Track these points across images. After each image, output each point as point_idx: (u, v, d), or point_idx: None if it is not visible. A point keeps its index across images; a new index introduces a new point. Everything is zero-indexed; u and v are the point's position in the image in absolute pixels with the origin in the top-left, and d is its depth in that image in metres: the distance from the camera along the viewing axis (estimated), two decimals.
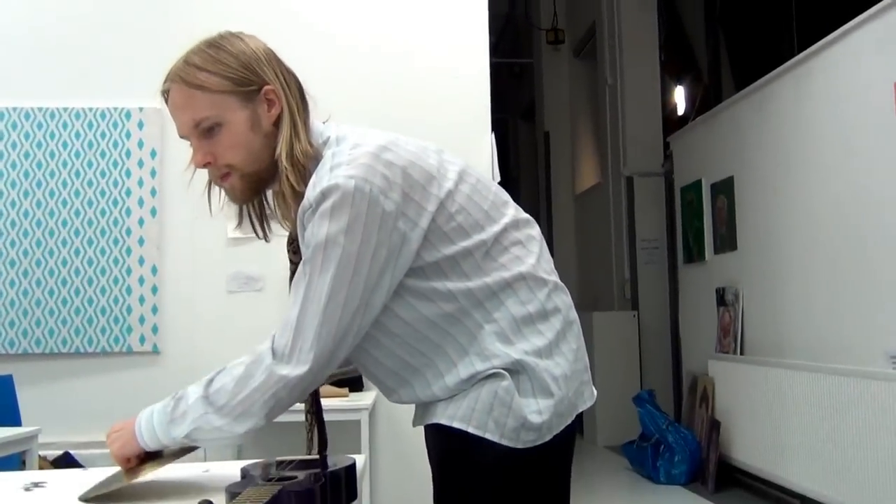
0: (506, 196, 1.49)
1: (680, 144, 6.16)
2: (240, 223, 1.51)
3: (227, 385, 1.31)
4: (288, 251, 1.49)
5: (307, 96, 1.47)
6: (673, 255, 6.52)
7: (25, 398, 3.40)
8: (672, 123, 6.97)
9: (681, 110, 7.32)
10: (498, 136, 4.08)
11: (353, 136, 1.38)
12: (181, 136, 1.42)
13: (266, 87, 1.40)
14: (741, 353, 5.03)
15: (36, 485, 1.54)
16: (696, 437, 5.24)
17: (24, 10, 4.03)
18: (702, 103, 6.61)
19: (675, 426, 5.30)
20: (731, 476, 4.98)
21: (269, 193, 1.47)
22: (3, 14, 4.02)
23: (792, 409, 4.26)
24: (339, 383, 3.54)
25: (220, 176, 1.42)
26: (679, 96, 7.40)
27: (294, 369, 1.28)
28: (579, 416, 1.44)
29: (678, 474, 5.12)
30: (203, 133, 1.39)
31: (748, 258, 5.00)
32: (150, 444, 1.37)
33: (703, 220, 5.58)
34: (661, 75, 7.02)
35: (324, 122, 1.47)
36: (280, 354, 1.29)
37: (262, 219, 1.51)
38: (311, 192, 1.31)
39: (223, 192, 1.47)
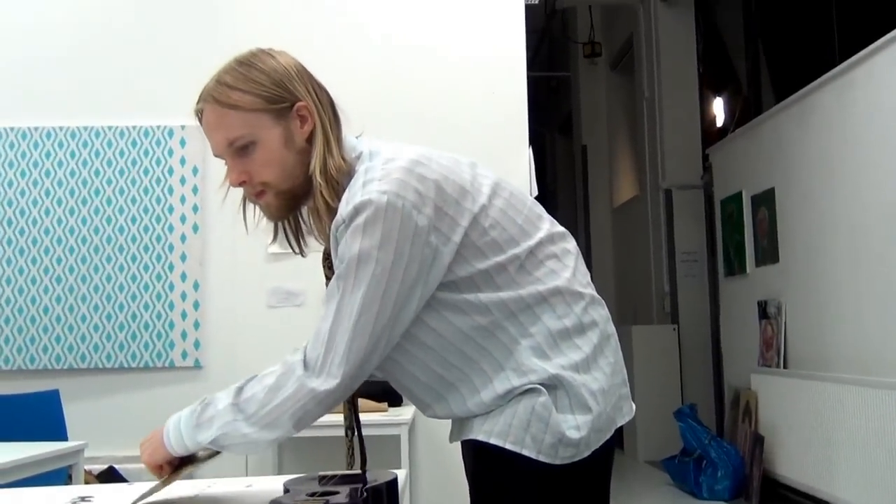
0: (540, 210, 1.48)
1: (720, 157, 6.11)
2: (275, 239, 1.51)
3: (257, 394, 1.31)
4: (323, 266, 1.50)
5: (339, 111, 1.47)
6: (713, 268, 6.45)
7: (71, 413, 3.46)
8: (711, 136, 6.91)
9: (720, 122, 7.26)
10: (535, 150, 4.07)
11: (385, 150, 1.38)
12: (216, 155, 1.44)
13: (298, 104, 1.40)
14: (784, 367, 4.96)
15: (83, 499, 1.56)
16: (739, 452, 5.16)
17: (69, 30, 4.12)
18: (741, 115, 6.55)
19: (718, 441, 5.23)
20: (775, 492, 4.90)
21: (304, 209, 1.47)
22: (50, 34, 4.11)
23: (839, 424, 4.18)
24: (378, 397, 3.55)
25: (255, 193, 1.43)
26: (718, 108, 7.34)
27: (324, 383, 1.29)
28: (619, 431, 1.42)
29: (721, 490, 5.05)
30: (237, 152, 1.40)
31: (790, 270, 4.93)
32: (176, 449, 1.37)
33: (744, 232, 5.51)
34: (699, 87, 6.97)
35: (357, 137, 1.47)
36: (311, 367, 1.30)
37: (298, 234, 1.52)
38: (344, 207, 1.31)
39: (258, 209, 1.48)
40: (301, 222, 1.51)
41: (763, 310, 5.27)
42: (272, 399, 1.30)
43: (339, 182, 1.37)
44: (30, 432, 3.01)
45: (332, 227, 1.34)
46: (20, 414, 3.30)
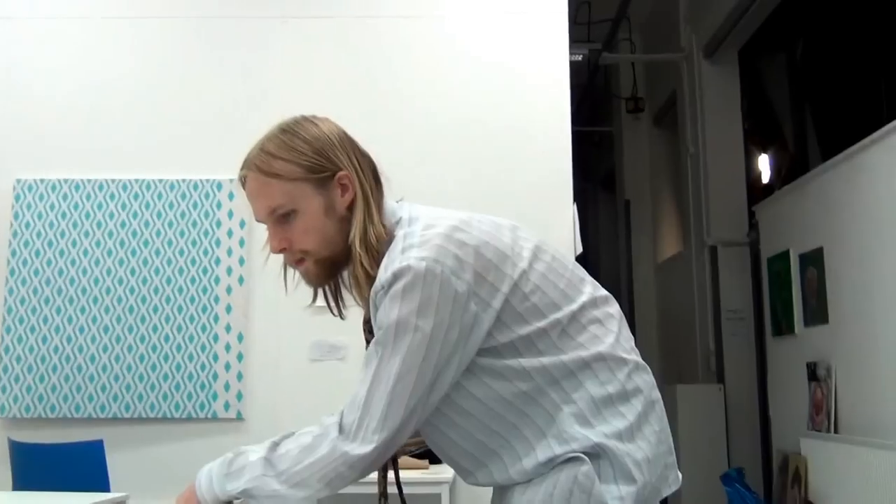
0: (582, 273, 1.47)
1: (766, 214, 6.04)
2: (314, 302, 1.53)
3: (291, 451, 1.32)
4: (364, 331, 1.50)
5: (382, 177, 1.47)
6: (760, 327, 6.34)
7: (114, 462, 3.47)
8: (757, 192, 6.85)
9: (766, 179, 7.20)
10: (577, 205, 4.07)
11: (425, 217, 1.39)
12: (258, 221, 1.45)
13: (339, 173, 1.40)
14: (835, 432, 4.82)
15: None
16: None
17: (124, 87, 4.23)
18: (788, 173, 6.49)
19: None
20: None
21: (345, 272, 1.48)
22: (105, 90, 4.23)
23: (893, 492, 4.04)
24: (419, 455, 3.51)
25: (294, 261, 1.44)
26: (764, 165, 7.28)
27: (358, 448, 1.28)
28: (664, 500, 1.39)
29: None
30: (278, 219, 1.41)
31: (840, 332, 4.83)
32: (206, 496, 1.36)
33: (793, 291, 5.42)
34: (744, 144, 6.93)
35: (398, 202, 1.47)
36: (346, 431, 1.30)
37: (337, 297, 1.52)
38: (383, 273, 1.31)
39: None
40: (341, 285, 1.51)
41: (812, 372, 5.15)
42: (305, 458, 1.30)
43: (378, 251, 1.37)
44: (73, 482, 3.02)
45: (371, 293, 1.34)
46: (64, 463, 3.32)
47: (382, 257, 1.36)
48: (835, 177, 4.88)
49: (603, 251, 10.48)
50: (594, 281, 1.48)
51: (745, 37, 6.65)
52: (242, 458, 1.35)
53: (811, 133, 6.52)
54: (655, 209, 8.54)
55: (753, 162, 7.23)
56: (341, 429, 1.30)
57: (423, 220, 1.37)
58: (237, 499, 1.36)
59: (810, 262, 5.21)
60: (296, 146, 1.40)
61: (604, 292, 1.47)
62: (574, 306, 1.38)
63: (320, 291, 1.51)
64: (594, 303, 1.42)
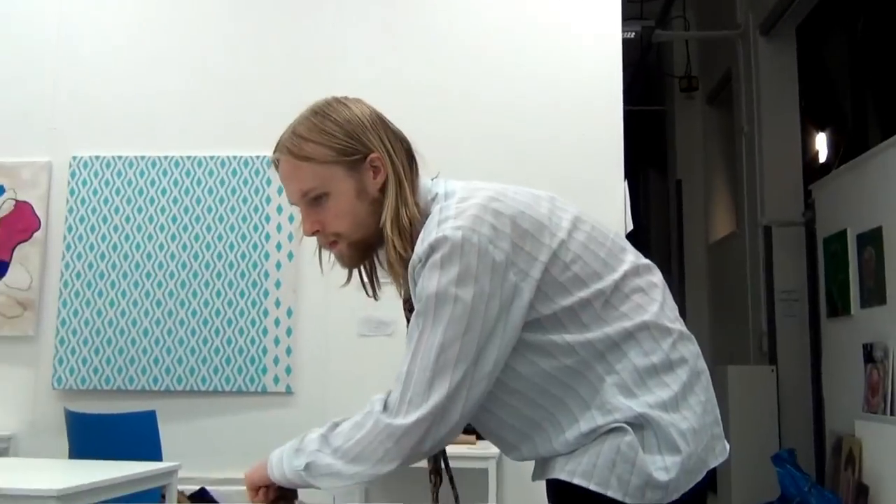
0: (624, 242, 1.44)
1: (823, 194, 5.91)
2: (348, 282, 1.51)
3: (344, 428, 1.33)
4: (405, 311, 1.49)
5: (416, 156, 1.46)
6: (814, 308, 6.21)
7: (166, 433, 3.53)
8: (813, 172, 6.70)
9: (822, 158, 7.03)
10: (629, 186, 4.02)
11: (461, 190, 1.38)
12: (291, 204, 1.45)
13: (371, 156, 1.39)
14: (891, 414, 4.72)
15: None
16: (841, 501, 4.92)
17: (178, 66, 4.28)
18: (846, 151, 6.33)
19: (819, 489, 5.00)
20: None
21: (381, 254, 1.47)
22: (160, 69, 4.28)
23: None
24: (466, 430, 3.52)
25: (327, 243, 1.43)
26: (821, 144, 7.11)
27: (402, 419, 1.27)
28: (712, 474, 1.36)
29: None
30: (311, 202, 1.40)
31: None
32: (275, 473, 1.38)
33: (849, 271, 5.30)
34: (801, 122, 6.77)
35: (433, 179, 1.46)
36: (390, 408, 1.29)
37: (372, 278, 1.51)
38: (420, 246, 1.31)
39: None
40: (376, 266, 1.50)
41: (869, 353, 5.04)
42: (354, 435, 1.31)
43: (412, 232, 1.36)
44: (127, 450, 3.09)
45: (409, 268, 1.33)
46: (118, 433, 3.39)
47: (416, 238, 1.35)
48: (895, 155, 4.75)
49: (654, 232, 10.35)
50: (635, 250, 1.45)
51: (804, 13, 6.49)
52: (307, 437, 1.36)
53: (871, 111, 6.35)
54: (707, 189, 8.41)
55: (810, 141, 7.07)
56: (386, 405, 1.30)
57: (459, 194, 1.36)
58: (309, 484, 1.36)
59: (868, 242, 5.08)
60: (327, 129, 1.39)
61: (646, 261, 1.44)
62: (616, 275, 1.35)
63: (355, 271, 1.50)
64: (637, 271, 1.39)
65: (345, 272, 1.50)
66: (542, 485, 1.42)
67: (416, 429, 1.27)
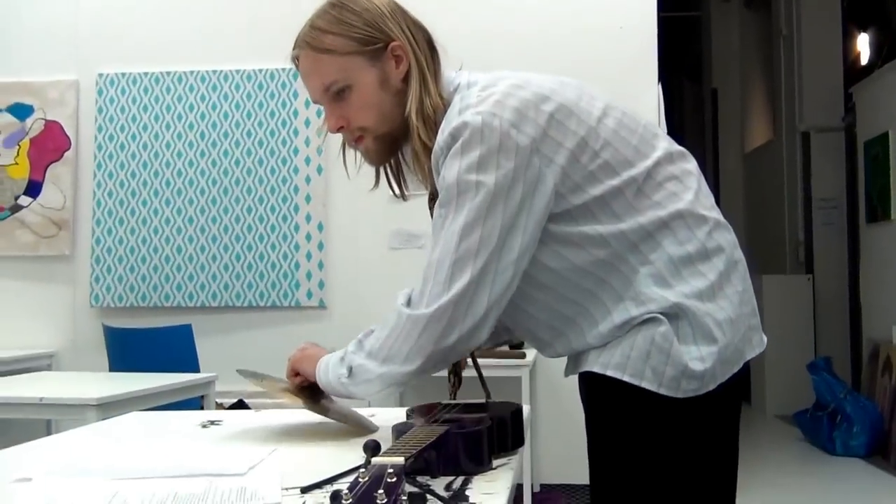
0: (656, 129, 1.39)
1: (864, 96, 5.73)
2: (376, 184, 1.48)
3: (376, 331, 1.31)
4: (430, 207, 1.46)
5: (438, 47, 1.42)
6: (853, 215, 6.10)
7: (203, 348, 3.58)
8: (855, 74, 6.49)
9: (864, 60, 6.80)
10: (663, 94, 3.92)
11: (483, 80, 1.33)
12: (314, 102, 1.42)
13: (392, 44, 1.36)
14: None
15: (213, 422, 1.60)
16: (877, 407, 4.91)
17: None
18: (889, 51, 6.11)
19: (854, 395, 4.98)
20: None
21: (406, 151, 1.44)
22: None
23: None
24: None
25: (354, 139, 1.40)
26: (863, 44, 6.87)
27: (424, 310, 1.24)
28: (747, 383, 1.33)
29: (857, 446, 4.82)
30: (333, 97, 1.37)
31: None
32: (321, 379, 1.37)
33: (891, 175, 5.17)
34: (842, 23, 6.53)
35: (457, 71, 1.42)
36: (413, 300, 1.27)
37: (400, 178, 1.48)
38: (441, 135, 1.27)
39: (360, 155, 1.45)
40: (403, 165, 1.47)
41: None
42: (382, 333, 1.29)
43: (436, 121, 1.33)
44: (165, 364, 3.13)
45: (433, 158, 1.30)
46: (156, 347, 3.44)
47: (439, 127, 1.31)
48: None
49: (688, 142, 10.16)
50: (669, 137, 1.40)
51: None
52: (350, 345, 1.35)
53: None
54: (744, 98, 8.20)
55: (851, 42, 6.83)
56: (409, 299, 1.28)
57: (482, 83, 1.32)
58: (351, 394, 1.35)
59: None
60: (346, 19, 1.35)
61: (679, 148, 1.38)
62: (648, 162, 1.30)
63: (382, 174, 1.48)
64: (670, 158, 1.34)
65: (371, 178, 1.48)
66: (574, 392, 1.40)
67: (440, 318, 1.23)
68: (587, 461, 1.35)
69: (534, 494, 3.78)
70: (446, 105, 1.34)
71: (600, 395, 1.31)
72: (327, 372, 1.37)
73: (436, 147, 1.29)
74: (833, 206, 6.38)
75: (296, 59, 1.40)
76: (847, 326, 6.25)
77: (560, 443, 3.86)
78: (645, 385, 1.25)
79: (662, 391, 1.24)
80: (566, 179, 1.26)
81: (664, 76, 4.01)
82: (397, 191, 1.49)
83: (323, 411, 1.44)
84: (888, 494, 4.22)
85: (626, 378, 1.26)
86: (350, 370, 1.32)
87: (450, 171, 1.25)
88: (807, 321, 6.30)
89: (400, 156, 1.46)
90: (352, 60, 1.35)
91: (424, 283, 1.26)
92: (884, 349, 5.10)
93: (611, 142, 1.29)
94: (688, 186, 1.33)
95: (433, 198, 1.40)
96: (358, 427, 1.46)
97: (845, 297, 6.27)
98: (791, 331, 6.18)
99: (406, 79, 1.36)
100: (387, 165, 1.47)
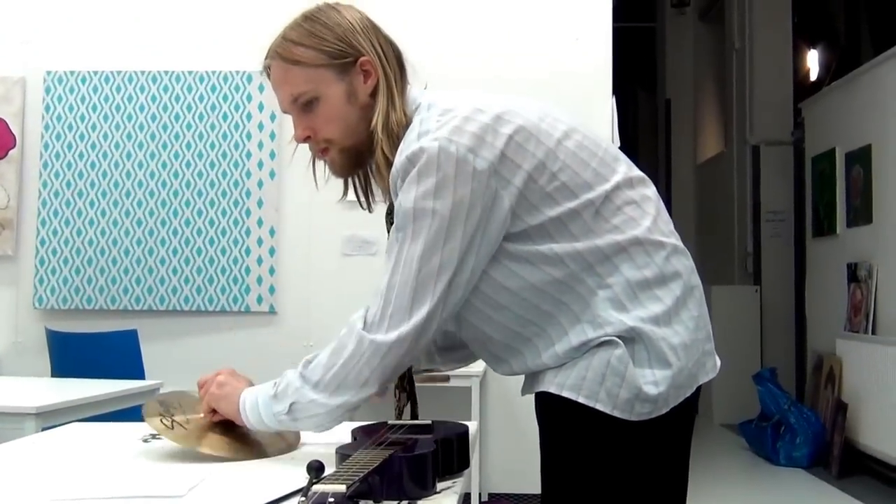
0: (618, 153, 1.40)
1: (813, 111, 5.84)
2: (345, 195, 1.50)
3: (321, 359, 1.29)
4: (386, 222, 1.45)
5: (406, 64, 1.44)
6: (800, 229, 6.22)
7: (149, 353, 3.52)
8: (804, 89, 6.62)
9: (814, 76, 6.94)
10: (616, 104, 3.95)
11: (442, 102, 1.34)
12: (283, 111, 1.43)
13: (362, 59, 1.37)
14: (873, 333, 4.76)
15: (154, 436, 1.57)
16: (820, 418, 5.00)
17: None
18: (838, 68, 6.24)
19: (798, 406, 5.07)
20: (857, 461, 4.74)
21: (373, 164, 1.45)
22: None
23: None
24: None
25: (319, 150, 1.42)
26: (812, 61, 7.01)
27: (385, 335, 1.25)
28: (697, 391, 1.35)
29: (800, 457, 4.90)
30: (302, 108, 1.39)
31: (884, 232, 4.71)
32: (250, 419, 1.35)
33: (836, 191, 5.28)
34: (793, 39, 6.66)
35: (424, 90, 1.43)
36: (370, 323, 1.27)
37: (367, 189, 1.49)
38: (398, 158, 1.29)
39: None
40: (371, 177, 1.48)
41: (853, 272, 5.06)
42: (336, 361, 1.28)
43: (399, 137, 1.34)
44: (109, 370, 3.08)
45: (390, 180, 1.32)
46: (100, 352, 3.37)
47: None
48: (888, 71, 4.67)
49: (642, 152, 10.28)
50: (629, 161, 1.41)
51: None
52: (283, 379, 1.33)
53: (864, 27, 6.24)
54: (697, 109, 8.32)
55: (801, 58, 6.97)
56: (365, 322, 1.27)
57: (440, 106, 1.33)
58: (291, 429, 1.32)
59: (857, 161, 5.05)
60: (317, 32, 1.37)
61: (639, 173, 1.40)
62: (607, 186, 1.31)
63: (350, 185, 1.49)
64: (629, 183, 1.35)
65: (337, 189, 1.48)
66: (524, 402, 1.41)
67: (402, 344, 1.25)
68: (536, 472, 1.36)
69: None
70: (409, 122, 1.35)
71: (555, 415, 1.32)
72: (257, 411, 1.34)
73: (393, 170, 1.30)
74: (781, 219, 6.50)
75: (267, 68, 1.42)
76: (793, 338, 6.36)
77: (509, 453, 3.87)
78: (599, 407, 1.26)
79: (616, 413, 1.26)
80: (523, 201, 1.27)
81: (619, 86, 4.05)
82: (364, 203, 1.50)
83: (252, 449, 1.40)
84: None
85: (580, 399, 1.27)
86: (290, 406, 1.30)
87: (406, 197, 1.25)
88: (754, 332, 6.40)
89: (369, 169, 1.47)
90: (320, 73, 1.36)
91: (385, 306, 1.26)
92: (827, 361, 5.20)
93: (569, 164, 1.30)
94: (646, 212, 1.34)
95: (390, 213, 1.40)
96: (286, 444, 1.44)
97: (791, 308, 6.38)
98: (738, 341, 6.27)
99: (374, 94, 1.38)
100: (355, 178, 1.48)
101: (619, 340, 1.26)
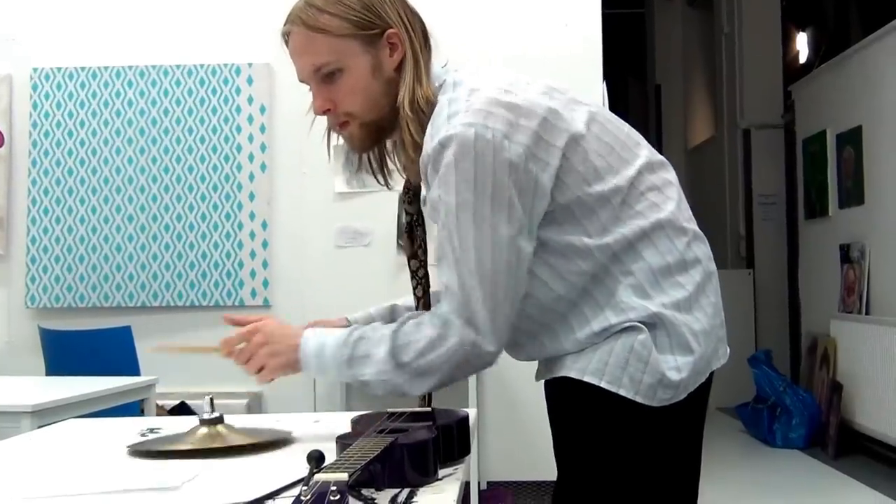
0: (638, 137, 1.39)
1: (803, 94, 5.85)
2: (359, 169, 1.45)
3: (418, 343, 1.24)
4: (402, 202, 1.43)
5: (431, 38, 1.38)
6: (792, 211, 6.23)
7: (143, 349, 3.50)
8: (793, 73, 6.62)
9: (803, 59, 6.94)
10: (607, 91, 3.94)
11: (469, 80, 1.30)
12: (300, 81, 1.37)
13: (389, 31, 1.32)
14: (867, 313, 4.77)
15: (151, 430, 1.56)
16: (815, 400, 5.02)
17: None
18: (827, 51, 6.24)
19: (793, 388, 5.09)
20: (853, 441, 4.76)
21: (388, 141, 1.41)
22: None
23: None
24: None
25: (338, 123, 1.36)
26: (802, 44, 7.01)
27: (496, 347, 1.24)
28: (711, 375, 1.35)
29: (796, 438, 4.92)
30: (323, 79, 1.32)
31: (876, 212, 4.72)
32: (312, 367, 1.31)
33: (828, 172, 5.29)
34: (782, 22, 6.66)
35: (442, 67, 1.38)
36: (483, 329, 1.23)
37: (383, 166, 1.44)
38: (429, 143, 1.24)
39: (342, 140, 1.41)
40: (386, 155, 1.44)
41: (846, 254, 5.07)
42: (432, 352, 1.23)
43: (426, 114, 1.29)
44: (104, 367, 3.06)
45: (420, 165, 1.27)
46: (94, 349, 3.36)
47: (428, 123, 1.28)
48: (877, 52, 4.68)
49: None
50: (649, 145, 1.39)
51: None
52: (364, 344, 1.27)
53: (853, 9, 6.23)
54: (687, 94, 8.32)
55: (790, 41, 6.96)
56: (477, 327, 1.22)
57: (468, 84, 1.28)
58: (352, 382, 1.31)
59: (847, 142, 5.06)
60: (344, 0, 1.31)
61: (660, 157, 1.38)
62: (632, 171, 1.30)
63: (364, 163, 1.44)
64: (651, 167, 1.34)
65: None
66: (522, 390, 1.40)
67: (493, 357, 1.25)
68: (535, 459, 1.35)
69: (481, 492, 3.78)
70: (435, 101, 1.31)
71: (575, 400, 1.31)
72: (324, 362, 1.30)
73: (423, 154, 1.26)
74: (773, 203, 6.51)
75: (286, 34, 1.35)
76: (786, 320, 6.38)
77: (508, 440, 3.87)
78: (622, 392, 1.26)
79: (639, 399, 1.26)
80: (557, 179, 1.25)
81: (609, 72, 4.04)
82: (380, 180, 1.45)
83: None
84: (826, 485, 4.32)
85: (603, 384, 1.26)
86: (363, 372, 1.27)
87: (447, 189, 1.22)
88: (747, 315, 6.42)
89: (383, 145, 1.42)
90: (346, 43, 1.31)
91: (494, 317, 1.23)
92: (821, 343, 5.22)
93: (597, 147, 1.28)
94: (669, 197, 1.33)
95: (408, 191, 1.38)
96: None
97: (785, 291, 6.40)
98: (732, 324, 6.14)
99: (398, 68, 1.33)
100: (369, 154, 1.43)
101: (642, 326, 1.26)
